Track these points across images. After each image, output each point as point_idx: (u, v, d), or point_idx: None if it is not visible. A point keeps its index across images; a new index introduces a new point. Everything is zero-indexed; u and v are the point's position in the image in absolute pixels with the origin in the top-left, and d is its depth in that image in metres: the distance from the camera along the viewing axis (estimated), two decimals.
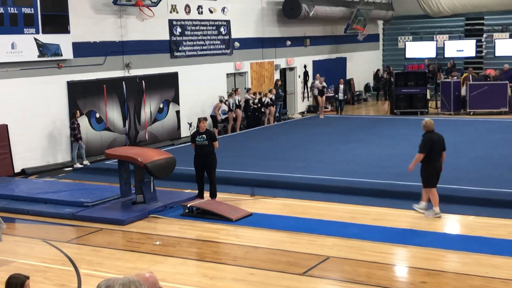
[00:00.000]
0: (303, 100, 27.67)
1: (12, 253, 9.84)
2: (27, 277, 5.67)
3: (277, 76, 25.61)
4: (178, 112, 20.77)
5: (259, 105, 22.82)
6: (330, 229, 10.51)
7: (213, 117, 21.23)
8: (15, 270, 8.80)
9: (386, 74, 30.00)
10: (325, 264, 8.91)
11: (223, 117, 21.71)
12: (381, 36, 34.30)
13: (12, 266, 9.15)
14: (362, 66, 31.90)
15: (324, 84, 25.50)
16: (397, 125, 21.71)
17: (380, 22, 33.72)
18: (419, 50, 29.39)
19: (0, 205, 12.47)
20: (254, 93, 23.08)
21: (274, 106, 23.64)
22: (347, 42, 30.20)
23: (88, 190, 13.38)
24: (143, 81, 19.32)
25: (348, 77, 30.33)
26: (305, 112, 27.40)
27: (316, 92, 25.42)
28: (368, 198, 12.08)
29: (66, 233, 11.03)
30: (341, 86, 25.61)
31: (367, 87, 32.50)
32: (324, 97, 25.22)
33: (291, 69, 26.97)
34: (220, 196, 12.58)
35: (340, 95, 25.69)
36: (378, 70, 32.05)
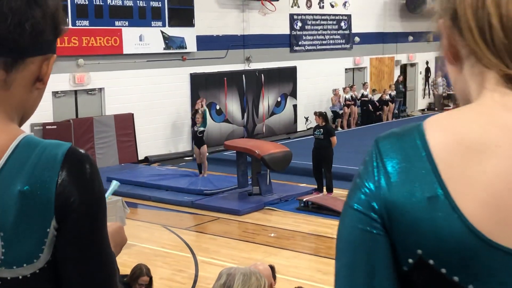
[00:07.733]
0: (423, 97, 26.94)
1: (134, 237, 10.26)
2: (145, 273, 5.78)
3: (397, 72, 25.08)
4: (295, 106, 20.86)
5: (377, 102, 22.44)
6: None
7: (334, 111, 21.18)
8: (137, 253, 9.24)
9: None
10: None
11: (340, 112, 21.57)
12: None
13: (134, 250, 9.57)
14: None
15: None
16: None
17: None
18: None
19: (124, 190, 13.01)
20: (374, 90, 22.75)
21: (394, 103, 23.19)
22: None
23: (206, 180, 13.76)
24: (262, 75, 19.56)
25: None
26: (426, 110, 26.66)
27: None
28: None
29: (185, 220, 11.40)
30: None
31: None
32: None
33: (412, 65, 26.31)
34: (335, 191, 12.51)
35: None
36: None
